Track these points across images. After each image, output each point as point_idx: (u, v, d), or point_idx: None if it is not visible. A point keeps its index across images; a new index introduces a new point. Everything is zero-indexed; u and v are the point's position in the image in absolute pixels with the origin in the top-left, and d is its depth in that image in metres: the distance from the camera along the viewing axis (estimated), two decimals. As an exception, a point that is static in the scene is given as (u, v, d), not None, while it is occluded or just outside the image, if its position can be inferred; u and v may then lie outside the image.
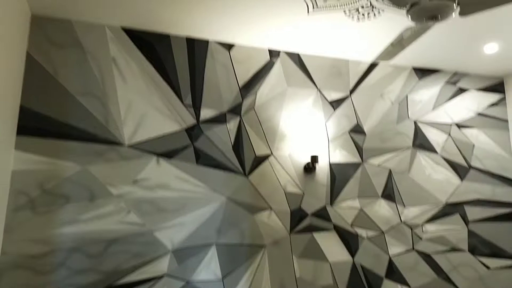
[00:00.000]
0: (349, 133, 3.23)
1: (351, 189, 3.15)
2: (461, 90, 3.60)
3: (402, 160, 3.32)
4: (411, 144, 3.37)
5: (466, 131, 3.54)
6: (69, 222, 2.49)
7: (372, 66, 3.39)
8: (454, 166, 3.43)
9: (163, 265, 2.63)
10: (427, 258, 3.21)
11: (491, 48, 3.08)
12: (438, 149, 3.43)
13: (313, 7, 2.50)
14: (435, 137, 3.44)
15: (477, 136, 3.55)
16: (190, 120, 2.86)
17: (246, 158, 2.95)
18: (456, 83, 3.60)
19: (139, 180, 2.67)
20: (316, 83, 3.23)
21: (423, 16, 1.84)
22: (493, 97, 3.67)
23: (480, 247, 3.35)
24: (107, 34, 2.76)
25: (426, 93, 3.50)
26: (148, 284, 2.57)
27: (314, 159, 2.99)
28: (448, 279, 3.22)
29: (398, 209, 3.22)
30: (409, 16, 1.88)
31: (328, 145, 3.16)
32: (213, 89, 2.96)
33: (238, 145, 2.95)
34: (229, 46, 3.05)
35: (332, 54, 3.25)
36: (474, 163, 3.49)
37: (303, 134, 3.11)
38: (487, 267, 3.33)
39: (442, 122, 3.49)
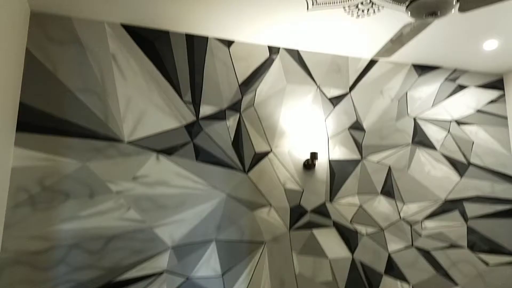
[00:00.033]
0: (348, 129, 3.24)
1: (351, 186, 3.15)
2: (461, 87, 3.60)
3: (401, 156, 3.32)
4: (410, 141, 3.37)
5: (466, 128, 3.54)
6: (69, 219, 2.50)
7: (372, 63, 3.39)
8: (453, 162, 3.44)
9: (163, 262, 2.64)
10: (427, 254, 3.22)
11: (490, 44, 3.07)
12: (437, 146, 3.43)
13: (313, 4, 2.50)
14: (434, 134, 3.44)
15: (477, 133, 3.55)
16: (190, 117, 2.87)
17: (245, 155, 2.95)
18: (456, 80, 3.60)
19: (138, 177, 2.68)
20: (316, 80, 3.23)
21: (423, 12, 1.84)
22: (493, 94, 3.67)
23: (479, 243, 3.35)
24: (107, 31, 2.76)
25: (426, 90, 3.50)
26: (148, 280, 2.58)
27: (314, 155, 2.99)
28: (447, 276, 3.23)
29: (398, 206, 3.23)
30: (409, 12, 1.88)
31: (328, 141, 3.16)
32: (212, 85, 2.96)
33: (238, 141, 2.95)
34: (228, 43, 3.05)
35: (332, 50, 3.24)
36: (474, 159, 3.49)
37: (302, 130, 3.11)
38: (486, 264, 3.34)
39: (442, 119, 3.49)
